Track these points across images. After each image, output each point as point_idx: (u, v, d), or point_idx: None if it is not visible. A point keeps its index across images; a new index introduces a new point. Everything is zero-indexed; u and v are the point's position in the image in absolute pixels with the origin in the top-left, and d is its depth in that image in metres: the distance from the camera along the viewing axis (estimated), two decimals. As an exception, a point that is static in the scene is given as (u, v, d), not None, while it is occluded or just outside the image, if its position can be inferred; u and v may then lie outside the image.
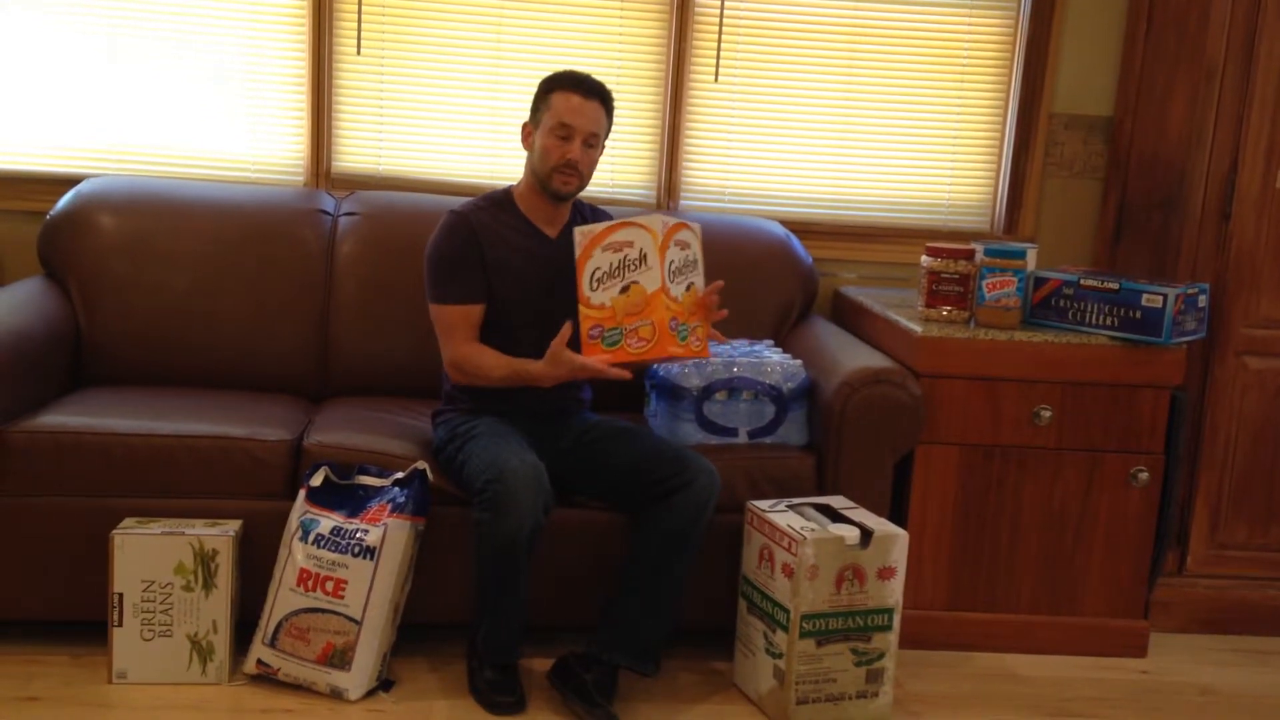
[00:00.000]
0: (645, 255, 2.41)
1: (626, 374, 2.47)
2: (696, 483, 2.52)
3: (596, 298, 2.44)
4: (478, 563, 2.47)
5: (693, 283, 2.50)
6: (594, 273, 2.43)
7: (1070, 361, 2.88)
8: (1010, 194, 3.64)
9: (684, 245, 2.48)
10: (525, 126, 2.69)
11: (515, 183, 2.75)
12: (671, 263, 2.43)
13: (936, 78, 3.58)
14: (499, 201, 2.72)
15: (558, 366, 2.49)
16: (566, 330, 2.47)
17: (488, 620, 2.51)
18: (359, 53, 3.38)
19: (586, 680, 2.49)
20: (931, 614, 2.95)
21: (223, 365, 3.05)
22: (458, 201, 3.31)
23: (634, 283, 2.42)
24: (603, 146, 2.70)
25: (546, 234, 2.70)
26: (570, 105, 2.59)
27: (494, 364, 2.60)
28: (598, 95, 2.63)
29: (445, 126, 3.44)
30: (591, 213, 2.82)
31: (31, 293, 2.99)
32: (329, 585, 2.47)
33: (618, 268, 2.42)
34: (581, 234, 2.45)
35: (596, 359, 2.44)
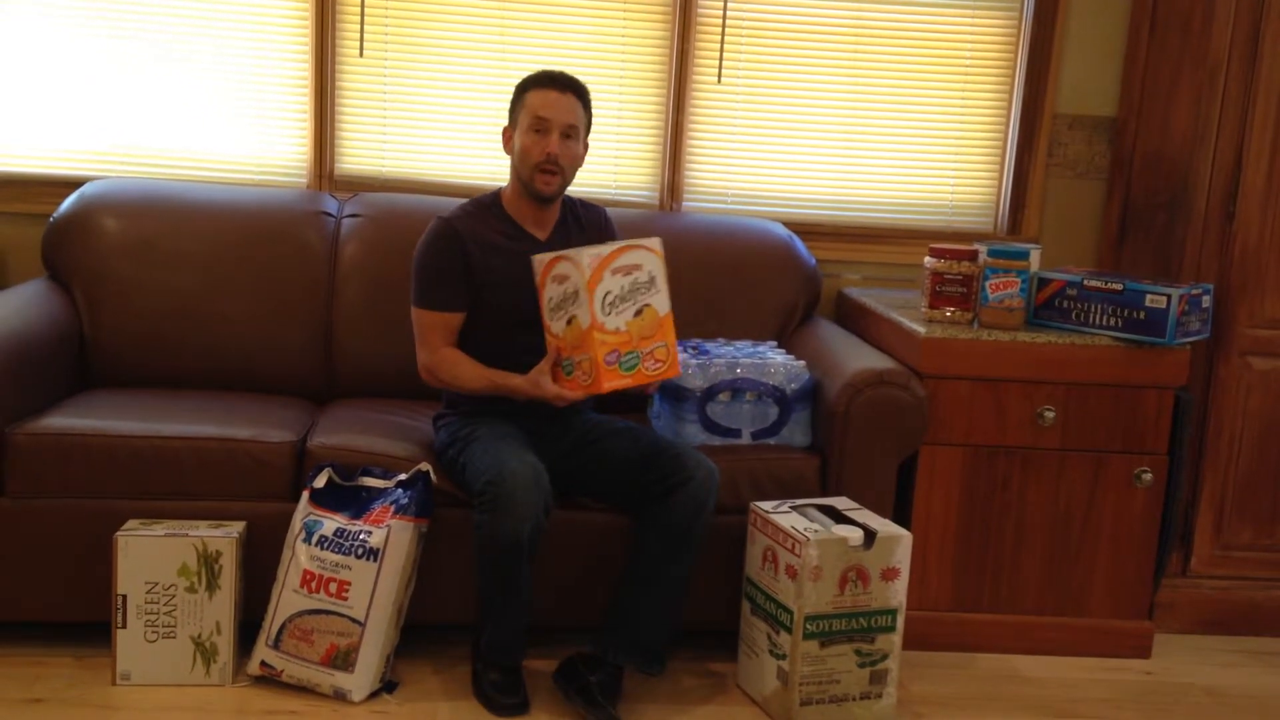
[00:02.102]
0: (654, 278, 2.43)
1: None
2: (695, 480, 2.52)
3: (611, 322, 2.40)
4: (479, 564, 2.47)
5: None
6: (605, 297, 2.40)
7: (1074, 362, 2.88)
8: (1014, 194, 3.64)
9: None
10: (505, 131, 2.68)
11: (504, 185, 2.75)
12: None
13: (939, 78, 3.58)
14: (487, 205, 2.71)
15: (537, 390, 2.50)
16: (550, 357, 2.48)
17: (490, 622, 2.51)
18: (362, 55, 3.38)
19: (591, 682, 2.49)
20: (935, 615, 2.95)
21: (226, 367, 3.06)
22: (456, 204, 3.32)
23: (646, 305, 2.43)
24: (585, 143, 2.69)
25: (535, 236, 2.69)
26: (545, 100, 2.59)
27: (472, 374, 2.60)
28: (571, 88, 2.63)
29: (448, 128, 3.44)
30: (583, 208, 2.80)
31: (35, 295, 2.99)
32: (332, 587, 2.47)
33: (629, 291, 2.41)
34: (591, 257, 2.40)
35: (612, 382, 2.43)
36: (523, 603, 2.48)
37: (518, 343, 2.59)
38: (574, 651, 2.58)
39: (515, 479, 2.39)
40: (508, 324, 2.64)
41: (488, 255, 2.64)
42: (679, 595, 2.57)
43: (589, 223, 2.78)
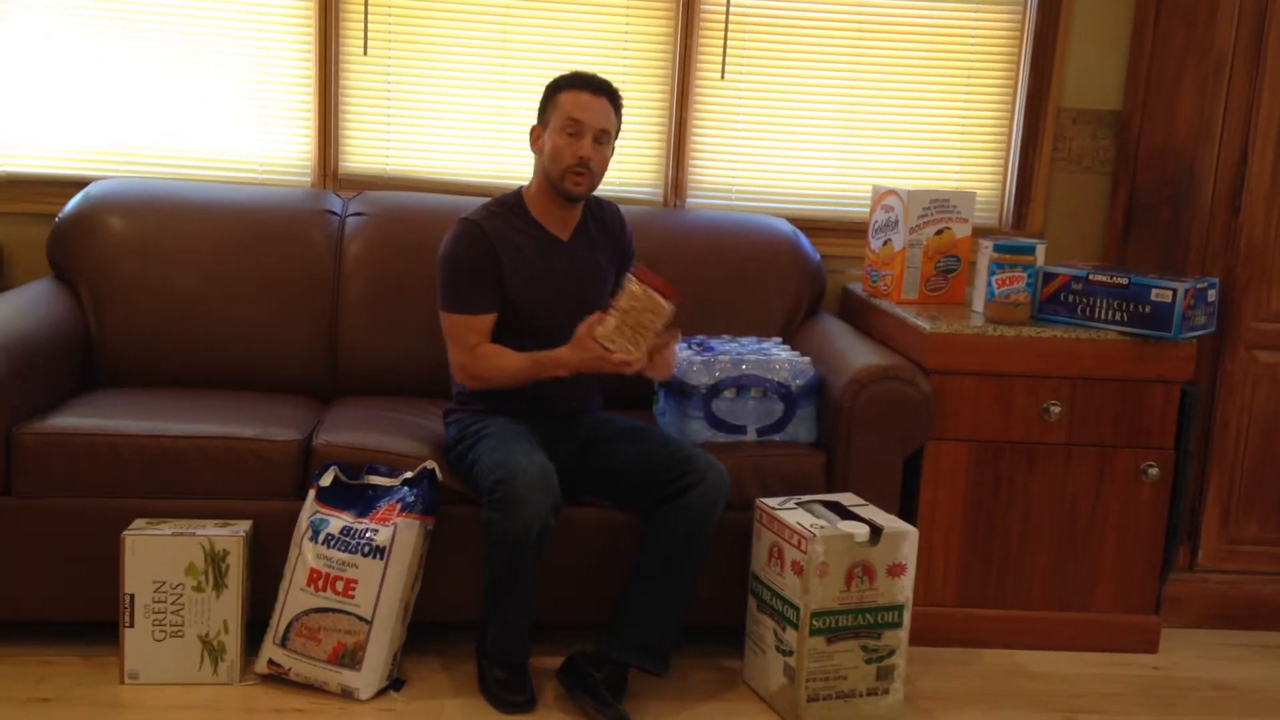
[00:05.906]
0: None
1: (630, 368, 2.48)
2: (706, 481, 2.51)
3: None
4: (486, 562, 2.47)
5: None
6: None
7: (1080, 357, 2.87)
8: (1019, 189, 3.63)
9: None
10: (534, 130, 2.67)
11: (526, 184, 2.74)
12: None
13: (943, 73, 3.57)
14: (510, 205, 2.70)
15: (584, 350, 2.48)
16: (595, 317, 2.48)
17: (495, 620, 2.51)
18: (366, 53, 3.38)
19: (597, 679, 2.49)
20: (942, 610, 2.94)
21: (232, 366, 3.06)
22: (465, 201, 3.30)
23: None
24: (613, 146, 2.69)
25: (559, 237, 2.69)
26: (579, 102, 2.59)
27: (514, 361, 2.58)
28: (605, 92, 2.63)
29: (452, 126, 3.44)
30: (599, 206, 2.80)
31: (41, 295, 3.00)
32: (339, 585, 2.48)
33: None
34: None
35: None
36: (528, 601, 2.48)
37: (540, 344, 2.59)
38: (577, 649, 2.58)
39: (525, 478, 2.39)
40: (526, 326, 2.64)
41: (513, 255, 2.63)
42: (686, 596, 2.56)
43: (608, 221, 2.79)
